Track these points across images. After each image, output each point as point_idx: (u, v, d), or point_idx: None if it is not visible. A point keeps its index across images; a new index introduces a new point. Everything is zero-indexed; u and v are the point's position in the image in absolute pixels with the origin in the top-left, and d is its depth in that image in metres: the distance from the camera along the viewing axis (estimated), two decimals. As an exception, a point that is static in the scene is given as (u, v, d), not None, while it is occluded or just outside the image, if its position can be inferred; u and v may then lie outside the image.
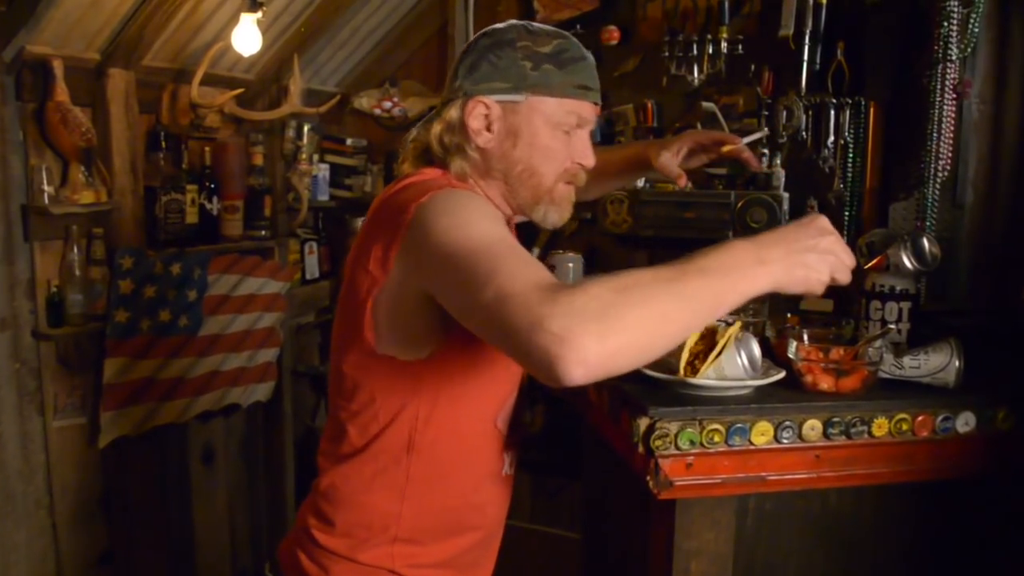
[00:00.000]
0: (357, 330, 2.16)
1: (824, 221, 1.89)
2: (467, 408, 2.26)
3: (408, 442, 2.23)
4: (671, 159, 2.86)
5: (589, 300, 1.62)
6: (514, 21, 2.32)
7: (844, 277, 1.87)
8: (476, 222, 1.95)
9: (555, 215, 2.33)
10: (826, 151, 3.68)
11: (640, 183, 4.07)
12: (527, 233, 2.59)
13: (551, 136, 2.26)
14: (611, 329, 1.60)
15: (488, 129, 2.26)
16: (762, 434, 2.14)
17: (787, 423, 2.15)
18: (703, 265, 1.74)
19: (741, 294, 1.76)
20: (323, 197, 5.69)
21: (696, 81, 4.32)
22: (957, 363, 2.31)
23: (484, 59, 2.26)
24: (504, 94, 2.23)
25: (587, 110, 2.30)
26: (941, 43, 2.99)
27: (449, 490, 2.31)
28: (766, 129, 3.21)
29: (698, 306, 1.72)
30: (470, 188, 2.25)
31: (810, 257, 1.82)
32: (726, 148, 2.88)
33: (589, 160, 2.33)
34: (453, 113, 2.28)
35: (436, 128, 2.31)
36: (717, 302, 1.74)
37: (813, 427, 2.17)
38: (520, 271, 1.75)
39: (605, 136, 4.63)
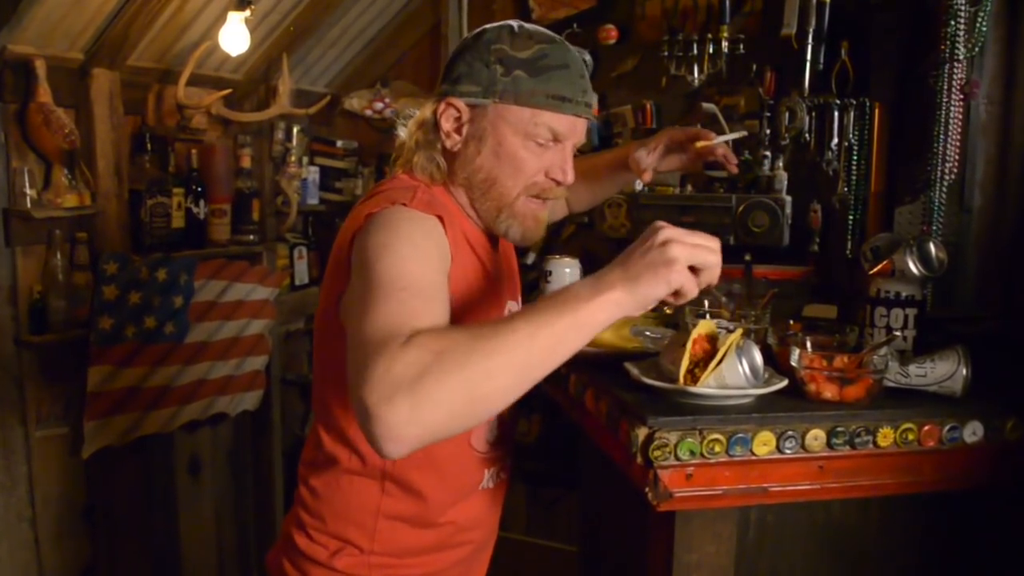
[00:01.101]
0: (329, 338, 2.19)
1: (663, 231, 1.81)
2: None
3: (381, 465, 2.25)
4: (644, 156, 2.87)
5: (408, 366, 1.59)
6: (507, 21, 2.32)
7: (707, 278, 1.83)
8: (398, 250, 1.95)
9: (517, 230, 2.34)
10: (830, 153, 3.68)
11: (638, 186, 4.07)
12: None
13: (520, 146, 2.25)
14: (425, 399, 1.57)
15: (458, 132, 2.28)
16: (764, 444, 2.14)
17: (790, 433, 2.15)
18: (536, 309, 1.74)
19: (584, 328, 1.75)
20: (313, 200, 5.69)
21: (696, 81, 4.31)
22: (964, 371, 2.31)
23: (461, 60, 2.28)
24: (472, 97, 2.25)
25: (564, 123, 2.27)
26: (948, 42, 2.99)
27: (424, 510, 2.33)
28: (745, 132, 3.21)
29: (528, 355, 1.69)
30: (430, 202, 2.19)
31: (650, 274, 1.77)
32: (700, 144, 2.87)
33: (565, 176, 2.32)
34: (427, 112, 2.31)
35: (411, 126, 2.34)
36: (555, 344, 1.72)
37: (816, 437, 2.17)
38: (391, 319, 1.73)
39: (603, 138, 4.63)
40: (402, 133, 2.41)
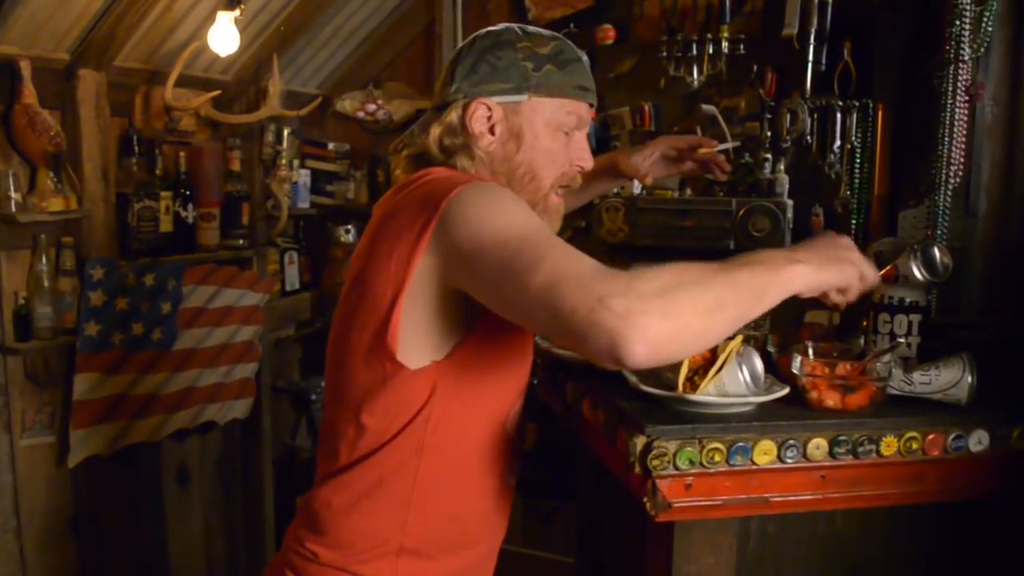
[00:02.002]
0: (374, 338, 2.15)
1: (847, 238, 2.12)
2: (478, 409, 2.27)
3: (418, 445, 2.21)
4: (641, 161, 2.93)
5: (648, 282, 1.73)
6: (509, 24, 2.37)
7: (867, 283, 2.12)
8: (514, 211, 2.01)
9: (547, 224, 2.33)
10: (832, 156, 3.70)
11: (636, 189, 4.07)
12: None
13: (552, 138, 2.31)
14: (672, 310, 1.70)
15: (491, 132, 2.30)
16: (765, 453, 2.14)
17: (791, 442, 2.15)
18: (742, 261, 1.88)
19: (780, 289, 1.90)
20: (304, 204, 5.69)
21: (695, 82, 4.32)
22: (970, 379, 2.31)
23: (484, 60, 2.29)
24: (506, 95, 2.28)
25: (585, 111, 2.36)
26: (953, 43, 3.00)
27: (456, 495, 2.31)
28: (738, 142, 3.22)
29: (746, 296, 1.84)
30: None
31: (836, 263, 2.03)
32: (703, 151, 2.94)
33: (588, 162, 2.40)
34: (453, 116, 2.30)
35: (435, 132, 2.32)
36: (761, 294, 1.87)
37: (818, 446, 2.17)
38: (571, 255, 1.84)
39: (601, 141, 4.64)
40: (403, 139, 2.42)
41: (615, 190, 4.16)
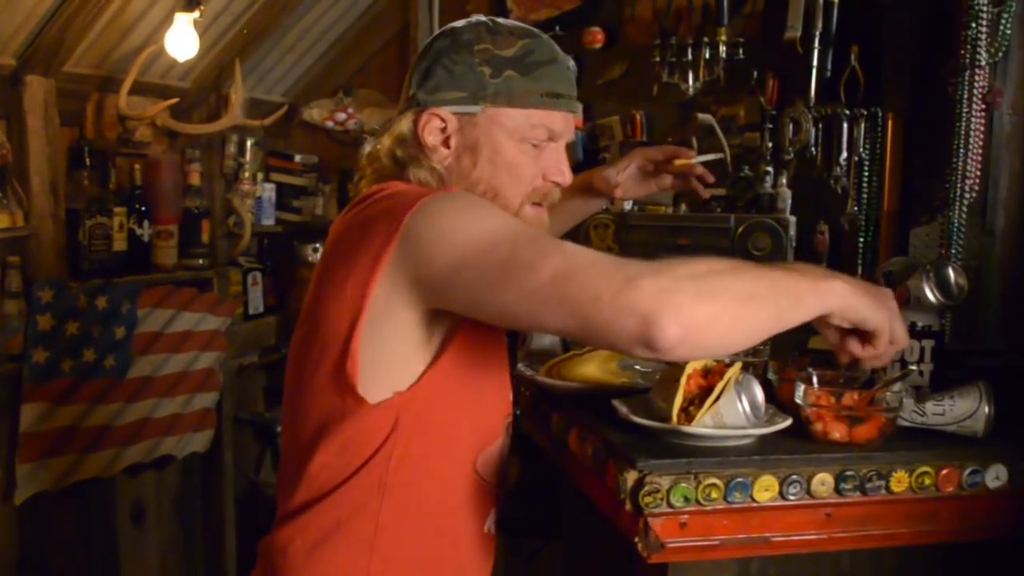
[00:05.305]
0: (332, 370, 2.12)
1: (891, 292, 2.10)
2: (446, 445, 2.23)
3: (379, 484, 2.17)
4: (613, 175, 2.92)
5: (678, 267, 1.78)
6: (478, 17, 2.31)
7: (899, 344, 2.10)
8: (493, 214, 2.02)
9: None
10: (838, 169, 3.70)
11: (627, 205, 4.07)
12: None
13: (516, 151, 2.25)
14: (707, 292, 1.75)
15: (445, 145, 2.25)
16: (766, 489, 2.14)
17: (794, 477, 2.15)
18: (778, 265, 1.96)
19: (817, 299, 1.94)
20: (268, 221, 5.70)
21: (691, 90, 4.32)
22: (987, 409, 2.31)
23: (439, 64, 2.24)
24: (460, 105, 2.22)
25: (559, 121, 2.28)
26: (968, 47, 3.00)
27: (425, 542, 2.26)
28: (724, 153, 3.23)
29: (783, 295, 1.88)
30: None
31: (874, 298, 2.02)
32: (679, 162, 2.92)
33: (564, 177, 2.34)
34: (404, 126, 2.27)
35: (386, 143, 2.30)
36: (798, 298, 1.91)
37: (823, 482, 2.17)
38: (577, 247, 1.87)
39: (589, 153, 4.63)
40: (368, 148, 2.39)
41: (604, 206, 4.15)
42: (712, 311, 1.73)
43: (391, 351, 2.09)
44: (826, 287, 1.94)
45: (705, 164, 3.00)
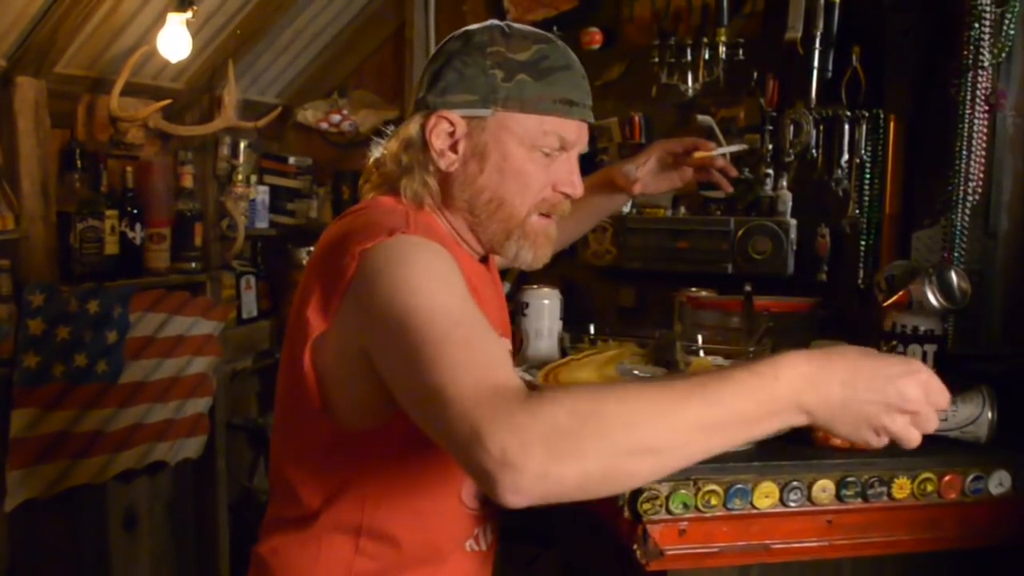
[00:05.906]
0: (297, 386, 2.11)
1: (929, 377, 1.75)
2: (425, 485, 2.20)
3: (357, 524, 2.17)
4: (633, 170, 2.87)
5: (547, 411, 1.58)
6: (493, 21, 2.27)
7: (910, 442, 1.79)
8: (426, 286, 1.88)
9: (529, 253, 2.29)
10: (839, 171, 3.69)
11: (625, 208, 4.06)
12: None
13: (526, 158, 2.20)
14: (563, 454, 1.56)
15: (453, 149, 2.21)
16: (766, 496, 2.14)
17: (794, 483, 2.15)
18: (727, 389, 1.66)
19: (761, 433, 1.70)
20: (262, 224, 5.68)
21: (690, 91, 4.32)
22: (990, 415, 2.31)
23: (450, 66, 2.21)
24: (469, 108, 2.18)
25: (572, 129, 2.24)
26: (971, 48, 3.00)
27: (400, 567, 2.24)
28: (746, 145, 3.22)
29: (697, 439, 1.64)
30: (426, 228, 2.14)
31: (878, 410, 1.72)
32: (699, 154, 2.89)
33: (575, 189, 2.30)
34: (412, 129, 2.23)
35: (392, 146, 2.26)
36: (724, 439, 1.67)
37: (824, 488, 2.17)
38: (470, 364, 1.71)
39: (586, 155, 4.56)
40: (376, 153, 2.35)
41: (625, 209, 4.12)
42: (571, 472, 1.56)
43: (351, 385, 2.06)
44: (778, 420, 1.68)
45: (732, 157, 3.00)
